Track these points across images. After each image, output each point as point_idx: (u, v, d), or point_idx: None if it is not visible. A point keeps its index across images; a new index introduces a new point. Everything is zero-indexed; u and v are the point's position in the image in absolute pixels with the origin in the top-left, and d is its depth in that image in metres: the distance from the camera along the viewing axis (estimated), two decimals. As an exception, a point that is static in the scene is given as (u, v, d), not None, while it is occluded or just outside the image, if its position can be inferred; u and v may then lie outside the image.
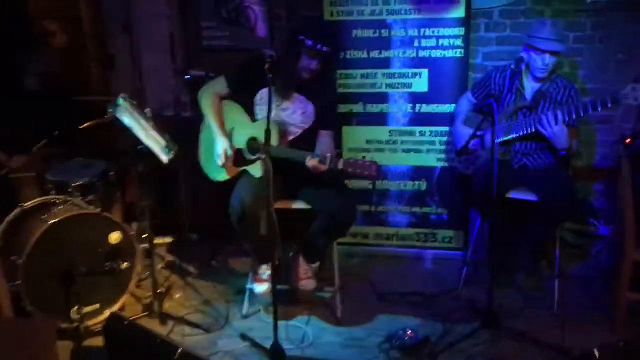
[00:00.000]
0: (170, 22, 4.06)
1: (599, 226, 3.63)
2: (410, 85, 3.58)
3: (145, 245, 3.43)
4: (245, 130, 3.01)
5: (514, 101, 3.11)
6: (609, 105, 2.75)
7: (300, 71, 2.87)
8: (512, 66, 2.99)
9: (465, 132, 3.22)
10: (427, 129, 3.62)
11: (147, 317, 3.11)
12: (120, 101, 2.85)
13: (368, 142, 3.71)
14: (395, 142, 3.69)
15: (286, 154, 2.79)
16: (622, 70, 3.45)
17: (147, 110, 2.96)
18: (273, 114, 2.71)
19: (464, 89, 3.48)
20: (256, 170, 2.93)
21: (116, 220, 3.10)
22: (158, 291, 3.14)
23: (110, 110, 2.88)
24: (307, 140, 2.97)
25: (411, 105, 3.61)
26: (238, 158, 3.02)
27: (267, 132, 2.51)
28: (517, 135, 3.04)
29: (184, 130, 3.43)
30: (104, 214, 3.05)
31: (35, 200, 3.10)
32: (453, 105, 3.51)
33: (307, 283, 3.05)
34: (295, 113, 2.99)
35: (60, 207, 3.04)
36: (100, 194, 3.33)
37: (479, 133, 3.00)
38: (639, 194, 2.89)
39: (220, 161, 2.96)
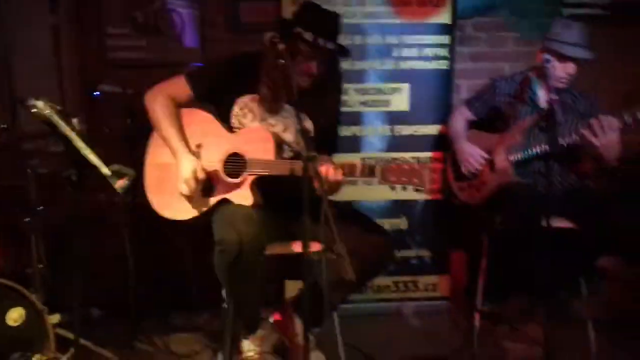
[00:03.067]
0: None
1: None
2: (388, 103, 3.00)
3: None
4: (220, 145, 2.16)
5: (528, 114, 2.67)
6: None
7: (295, 76, 2.12)
8: (523, 74, 2.63)
9: (475, 151, 2.71)
10: (407, 155, 3.03)
11: None
12: (40, 103, 1.85)
13: (337, 172, 3.00)
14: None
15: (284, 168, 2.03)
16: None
17: (75, 120, 1.99)
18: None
19: (448, 106, 2.99)
20: (243, 197, 2.09)
21: (18, 288, 2.00)
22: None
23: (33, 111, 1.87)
24: None
25: (389, 126, 3.02)
26: (211, 184, 2.15)
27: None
28: (543, 151, 2.56)
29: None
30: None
31: None
32: (437, 126, 3.00)
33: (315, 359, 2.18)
34: (288, 130, 2.23)
35: None
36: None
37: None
38: None
39: (187, 188, 2.07)
